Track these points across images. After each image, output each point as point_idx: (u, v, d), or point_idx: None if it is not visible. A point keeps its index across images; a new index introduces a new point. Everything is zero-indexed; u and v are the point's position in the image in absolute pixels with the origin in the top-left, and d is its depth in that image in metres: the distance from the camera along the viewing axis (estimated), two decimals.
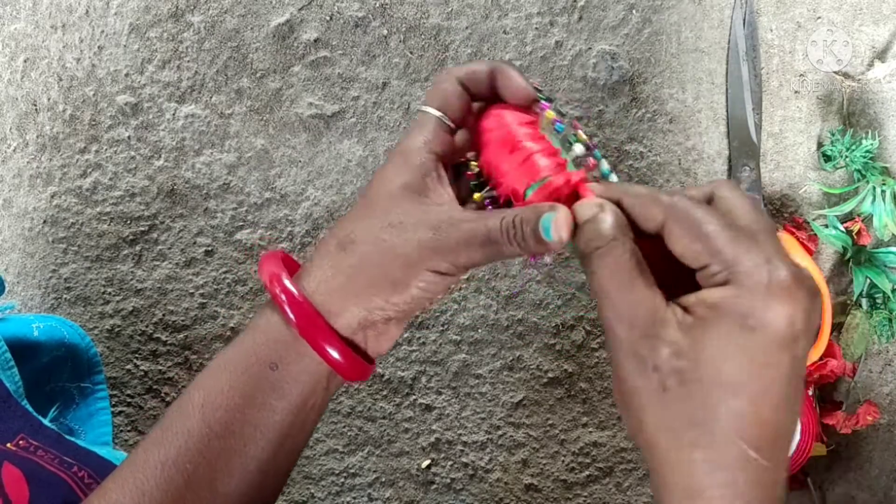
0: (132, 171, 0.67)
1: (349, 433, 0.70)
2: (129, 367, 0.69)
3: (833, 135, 0.66)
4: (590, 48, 0.66)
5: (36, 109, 0.66)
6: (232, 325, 0.69)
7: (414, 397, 0.70)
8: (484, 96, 0.39)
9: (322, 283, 0.37)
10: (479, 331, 0.69)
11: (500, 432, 0.70)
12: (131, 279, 0.68)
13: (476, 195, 0.39)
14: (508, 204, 0.38)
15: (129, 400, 0.70)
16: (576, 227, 0.35)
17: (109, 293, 0.68)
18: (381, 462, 0.71)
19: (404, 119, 0.66)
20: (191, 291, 0.68)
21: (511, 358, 0.69)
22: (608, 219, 0.34)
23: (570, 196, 0.37)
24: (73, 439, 0.52)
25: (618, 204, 0.35)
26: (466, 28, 0.65)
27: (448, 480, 0.71)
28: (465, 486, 0.71)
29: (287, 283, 0.37)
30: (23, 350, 0.56)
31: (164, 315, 0.68)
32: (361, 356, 0.38)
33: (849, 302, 0.68)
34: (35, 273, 0.68)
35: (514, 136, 0.38)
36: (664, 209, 0.33)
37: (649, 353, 0.32)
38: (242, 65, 0.66)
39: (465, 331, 0.69)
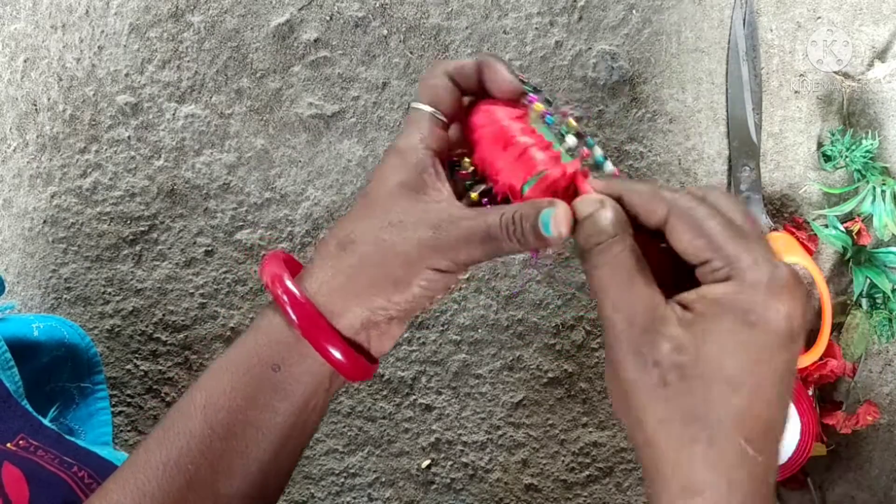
0: (132, 171, 0.67)
1: (349, 433, 0.70)
2: (129, 367, 0.69)
3: (833, 135, 0.66)
4: (590, 48, 0.66)
5: (36, 109, 0.66)
6: (232, 325, 0.69)
7: (414, 397, 0.70)
8: (473, 91, 0.39)
9: (324, 283, 0.37)
10: (479, 331, 0.69)
11: (500, 432, 0.70)
12: (131, 279, 0.68)
13: (472, 194, 0.39)
14: (506, 201, 0.38)
15: (129, 400, 0.70)
16: (575, 223, 0.35)
17: (109, 293, 0.68)
18: (381, 462, 0.71)
19: (404, 119, 0.66)
20: (191, 291, 0.68)
21: (511, 358, 0.69)
22: (609, 215, 0.34)
23: (568, 188, 0.37)
24: (73, 439, 0.52)
25: (618, 199, 0.35)
26: (466, 28, 0.65)
27: (448, 480, 0.71)
28: (465, 486, 0.71)
29: (289, 283, 0.37)
30: (23, 350, 0.56)
31: (164, 315, 0.68)
32: (364, 356, 0.38)
33: (849, 302, 0.68)
34: (35, 273, 0.68)
35: (507, 132, 0.37)
36: (667, 205, 0.34)
37: (650, 349, 0.32)
38: (242, 65, 0.66)
39: (465, 331, 0.69)
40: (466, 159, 0.39)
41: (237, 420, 0.37)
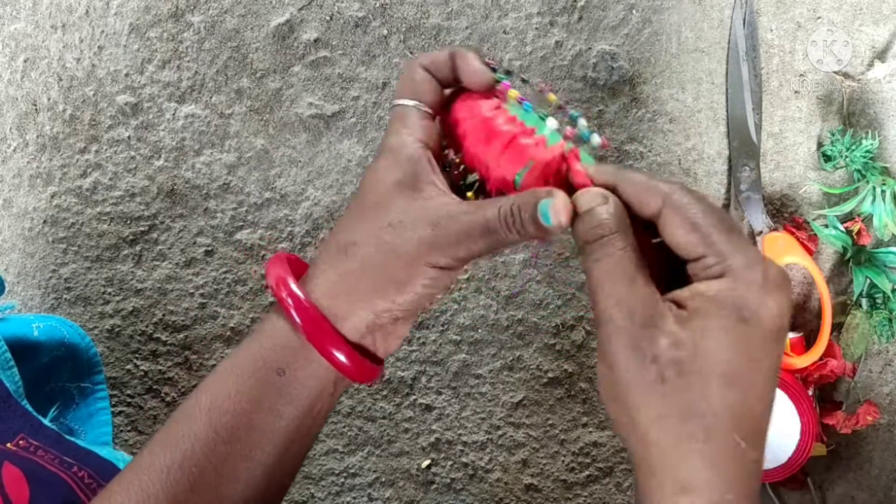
0: (132, 171, 0.67)
1: (349, 433, 0.70)
2: (129, 367, 0.69)
3: (833, 135, 0.66)
4: (590, 48, 0.66)
5: (36, 109, 0.66)
6: (232, 325, 0.69)
7: (414, 397, 0.70)
8: (450, 82, 0.39)
9: (327, 287, 0.37)
10: (479, 331, 0.69)
11: (500, 432, 0.70)
12: (131, 279, 0.68)
13: (469, 194, 0.38)
14: (501, 195, 0.37)
15: (129, 400, 0.70)
16: (575, 216, 0.35)
17: (109, 293, 0.68)
18: (381, 462, 0.71)
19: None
20: (191, 291, 0.68)
21: (511, 358, 0.69)
22: (610, 210, 0.34)
23: (560, 171, 0.36)
24: (73, 439, 0.52)
25: (612, 189, 0.35)
26: (466, 28, 0.65)
27: (448, 480, 0.71)
28: (465, 486, 0.71)
29: (294, 287, 0.37)
30: (23, 350, 0.56)
31: (164, 315, 0.68)
32: (370, 358, 0.38)
33: (849, 302, 0.68)
34: (35, 273, 0.68)
35: (489, 124, 0.37)
36: (662, 197, 0.33)
37: (648, 344, 0.32)
38: (242, 65, 0.66)
39: (465, 331, 0.69)
40: (456, 158, 0.39)
41: (242, 424, 0.37)
